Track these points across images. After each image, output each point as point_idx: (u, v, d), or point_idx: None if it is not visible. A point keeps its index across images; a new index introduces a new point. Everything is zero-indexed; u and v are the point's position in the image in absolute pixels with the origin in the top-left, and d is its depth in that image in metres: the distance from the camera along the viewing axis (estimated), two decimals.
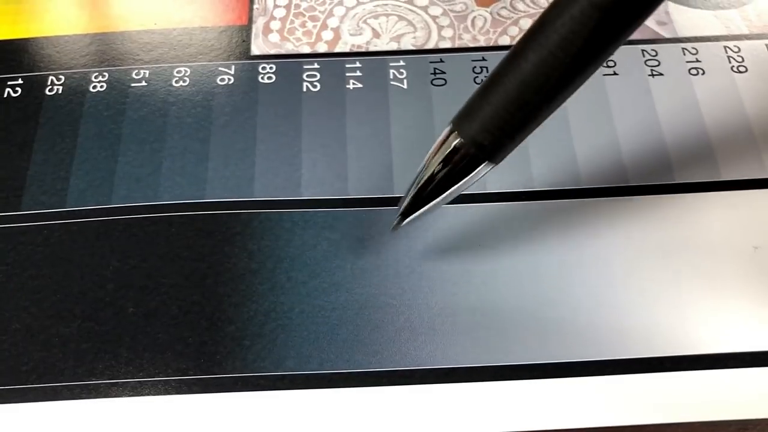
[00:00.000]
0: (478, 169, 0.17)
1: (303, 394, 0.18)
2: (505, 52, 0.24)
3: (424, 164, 0.17)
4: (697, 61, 0.23)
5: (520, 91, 0.15)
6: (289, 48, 0.24)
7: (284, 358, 0.19)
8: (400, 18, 0.25)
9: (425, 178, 0.17)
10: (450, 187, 0.17)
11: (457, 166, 0.17)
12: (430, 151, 0.17)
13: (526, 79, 0.15)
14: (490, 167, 0.17)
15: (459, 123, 0.16)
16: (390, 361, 0.18)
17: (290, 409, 0.18)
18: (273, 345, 0.19)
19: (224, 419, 0.18)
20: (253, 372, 0.18)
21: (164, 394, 0.18)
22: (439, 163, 0.17)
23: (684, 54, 0.24)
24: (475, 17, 0.25)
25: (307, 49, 0.24)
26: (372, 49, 0.24)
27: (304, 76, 0.23)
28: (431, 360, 0.18)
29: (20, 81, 0.24)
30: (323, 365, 0.18)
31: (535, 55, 0.15)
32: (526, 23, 0.24)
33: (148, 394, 0.18)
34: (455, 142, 0.17)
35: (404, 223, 0.18)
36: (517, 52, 0.15)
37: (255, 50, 0.24)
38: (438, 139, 0.17)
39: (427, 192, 0.17)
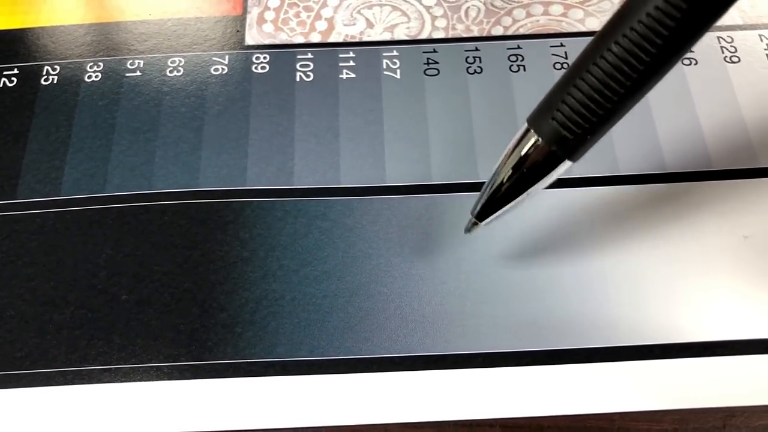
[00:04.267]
0: (558, 167, 0.16)
1: (294, 380, 0.18)
2: (498, 43, 0.24)
3: (499, 165, 0.17)
4: (690, 51, 0.23)
5: (604, 83, 0.15)
6: (283, 38, 0.24)
7: (275, 344, 0.19)
8: (394, 8, 0.25)
9: (501, 179, 0.17)
10: (528, 188, 0.17)
11: (535, 165, 0.16)
12: (505, 151, 0.17)
13: (610, 71, 0.14)
14: (569, 165, 0.16)
15: (536, 121, 0.16)
16: (380, 348, 0.19)
17: (281, 395, 0.18)
18: (264, 332, 0.19)
19: (215, 405, 0.18)
20: (244, 358, 0.18)
21: (156, 380, 0.18)
22: (516, 163, 0.16)
23: None
24: (468, 7, 0.25)
25: (300, 39, 0.24)
26: (365, 39, 0.24)
27: (298, 66, 0.23)
28: (421, 347, 0.19)
29: (16, 71, 0.24)
30: (314, 352, 0.19)
31: (619, 47, 0.14)
32: (520, 13, 0.25)
33: (140, 380, 0.18)
34: (532, 140, 0.16)
35: (482, 225, 0.18)
36: (598, 41, 0.15)
37: (249, 40, 0.24)
38: (514, 137, 0.17)
39: (502, 193, 0.17)
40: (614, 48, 0.14)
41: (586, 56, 0.15)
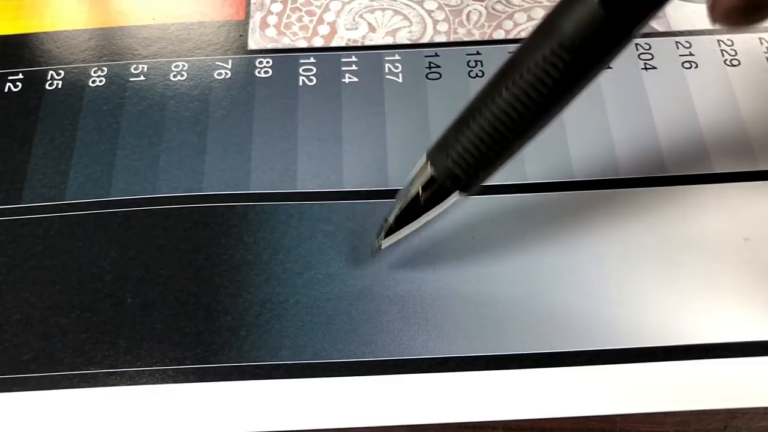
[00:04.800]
0: (451, 198, 0.18)
1: (298, 383, 0.18)
2: (499, 46, 0.24)
3: (400, 193, 0.18)
4: (691, 54, 0.24)
5: (493, 128, 0.16)
6: (285, 42, 0.24)
7: (279, 347, 0.19)
8: (396, 12, 0.25)
9: (403, 205, 0.18)
10: (422, 215, 0.18)
11: (431, 195, 0.18)
12: (407, 180, 0.18)
13: (499, 116, 0.16)
14: (463, 196, 0.17)
15: (434, 155, 0.17)
16: (383, 350, 0.19)
17: (285, 398, 0.18)
18: (268, 335, 0.19)
19: (220, 407, 0.18)
20: (248, 361, 0.19)
21: (161, 383, 0.18)
22: (416, 193, 0.18)
23: (677, 48, 0.24)
24: (470, 11, 0.25)
25: (303, 44, 0.24)
26: (368, 43, 0.24)
27: (301, 70, 0.24)
28: (424, 350, 0.19)
29: (21, 76, 0.24)
30: (318, 355, 0.19)
31: (509, 93, 0.15)
32: (521, 17, 0.25)
33: (145, 383, 0.18)
34: (430, 173, 0.17)
35: (383, 247, 0.19)
36: (490, 88, 0.16)
37: (252, 45, 0.24)
38: (414, 169, 0.18)
39: (401, 219, 0.18)
40: (505, 93, 0.15)
41: (479, 100, 0.16)
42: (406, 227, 0.18)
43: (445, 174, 0.17)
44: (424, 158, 0.18)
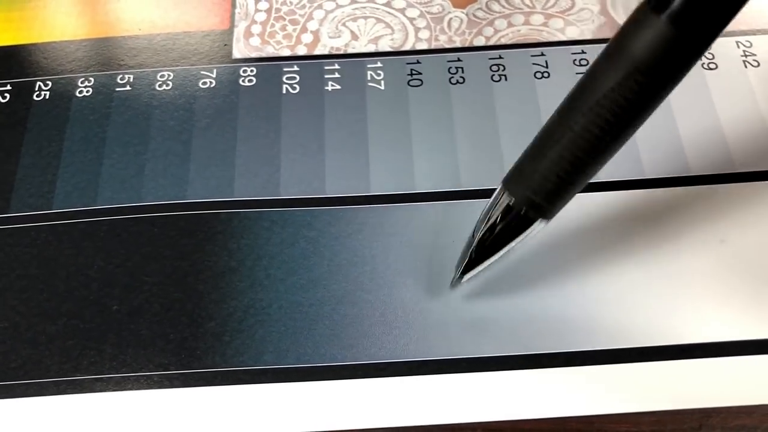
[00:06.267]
0: (535, 227, 0.17)
1: (281, 387, 0.19)
2: (479, 53, 0.24)
3: (478, 224, 0.18)
4: None
5: (571, 153, 0.16)
6: (269, 51, 0.25)
7: (263, 352, 0.19)
8: (378, 20, 0.25)
9: (479, 238, 0.18)
10: (506, 245, 0.18)
11: (511, 225, 0.17)
12: (483, 211, 0.18)
13: (577, 141, 0.16)
14: (543, 224, 0.18)
15: (511, 184, 0.17)
16: (365, 354, 0.19)
17: (269, 402, 0.18)
18: (252, 340, 0.19)
19: (204, 412, 0.18)
20: (232, 366, 0.19)
21: (147, 389, 0.19)
22: (494, 223, 0.18)
23: None
24: (451, 18, 0.25)
25: (287, 52, 0.25)
26: (350, 51, 0.25)
27: (284, 79, 0.24)
28: (405, 353, 0.19)
29: (9, 87, 0.24)
30: (300, 359, 0.19)
31: (586, 119, 0.15)
32: (501, 24, 0.25)
33: (131, 389, 0.19)
34: (507, 202, 0.17)
35: (463, 280, 0.19)
36: (564, 115, 0.16)
37: (236, 54, 0.25)
38: (490, 199, 0.18)
39: (483, 250, 0.18)
40: (580, 119, 0.16)
41: (553, 127, 0.16)
42: (486, 262, 0.18)
43: (527, 202, 0.17)
44: (499, 187, 0.18)
